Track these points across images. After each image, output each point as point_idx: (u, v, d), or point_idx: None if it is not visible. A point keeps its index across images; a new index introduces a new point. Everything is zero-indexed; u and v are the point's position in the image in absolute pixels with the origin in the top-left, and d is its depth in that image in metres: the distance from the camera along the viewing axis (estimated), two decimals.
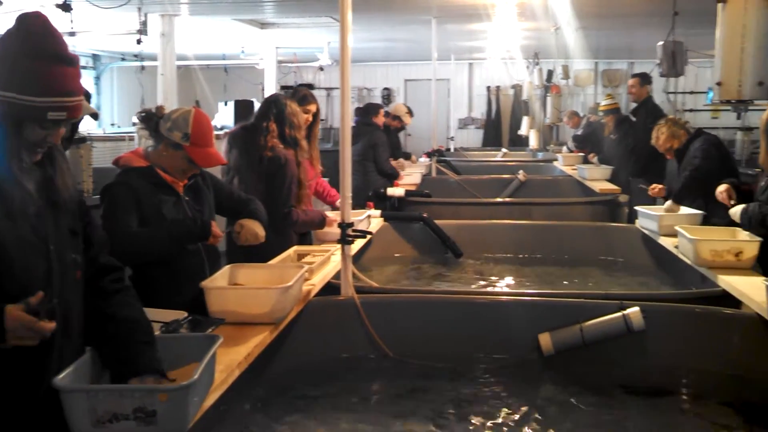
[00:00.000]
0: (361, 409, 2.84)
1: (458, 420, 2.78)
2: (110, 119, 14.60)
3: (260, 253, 3.32)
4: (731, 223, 3.84)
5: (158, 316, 2.40)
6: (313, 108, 4.29)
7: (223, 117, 8.93)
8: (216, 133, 3.08)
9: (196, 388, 1.80)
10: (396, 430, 2.69)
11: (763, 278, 2.77)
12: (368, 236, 3.72)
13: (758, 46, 2.70)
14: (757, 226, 3.48)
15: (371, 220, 4.84)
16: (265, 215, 3.25)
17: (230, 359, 2.30)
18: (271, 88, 11.26)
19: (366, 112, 7.42)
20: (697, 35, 7.03)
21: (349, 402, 2.89)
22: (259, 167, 3.74)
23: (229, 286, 2.81)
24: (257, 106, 9.84)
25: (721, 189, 3.94)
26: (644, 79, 7.25)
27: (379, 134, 7.20)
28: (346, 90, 3.23)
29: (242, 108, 8.81)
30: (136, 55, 12.04)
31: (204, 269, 2.99)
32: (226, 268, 2.92)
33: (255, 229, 3.11)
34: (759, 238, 3.45)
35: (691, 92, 13.40)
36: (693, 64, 7.73)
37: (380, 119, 7.46)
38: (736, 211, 3.68)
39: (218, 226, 2.95)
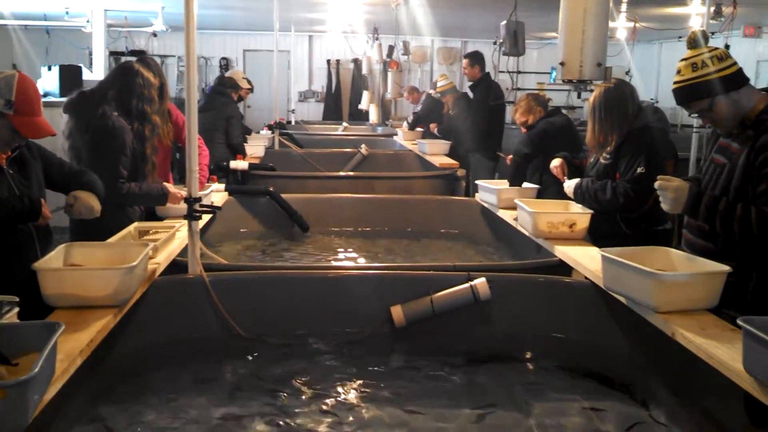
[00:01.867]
0: (214, 392, 2.74)
1: (313, 395, 2.76)
2: None
3: (105, 231, 3.12)
4: (562, 197, 4.08)
5: None
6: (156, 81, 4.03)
7: (47, 82, 8.21)
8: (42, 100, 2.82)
9: (36, 381, 1.64)
10: (250, 411, 2.62)
11: (598, 249, 2.96)
12: (216, 211, 3.58)
13: (597, 30, 2.86)
14: (590, 201, 3.73)
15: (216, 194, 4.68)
16: (101, 187, 3.04)
17: (71, 347, 2.13)
18: (99, 54, 10.55)
19: (225, 83, 7.14)
20: (524, 18, 7.35)
21: (200, 385, 2.78)
22: (86, 135, 3.49)
23: (67, 267, 2.60)
24: (86, 72, 9.24)
25: (555, 164, 4.18)
26: (473, 58, 7.51)
27: (235, 107, 7.00)
28: (192, 59, 3.05)
29: (69, 74, 8.14)
30: None
31: (35, 249, 2.75)
32: (61, 248, 2.69)
33: (90, 202, 2.90)
34: (590, 211, 3.70)
35: (519, 72, 14.14)
36: None
37: (237, 94, 7.24)
38: (570, 185, 3.91)
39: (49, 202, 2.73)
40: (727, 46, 10.33)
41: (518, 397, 2.81)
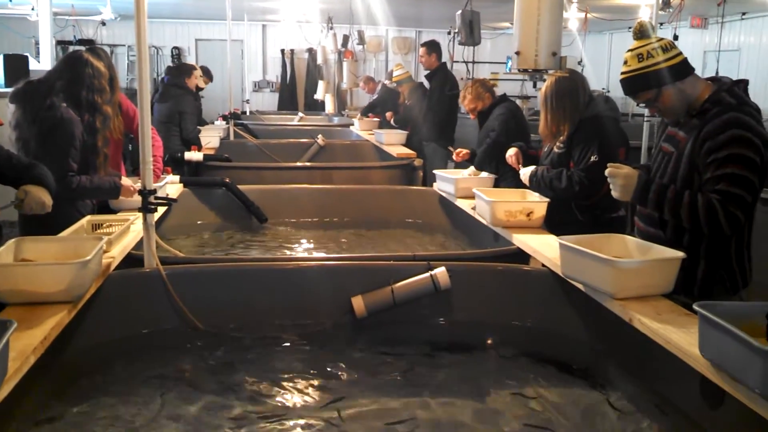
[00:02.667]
0: (173, 387, 2.69)
1: (275, 388, 2.73)
2: None
3: (56, 225, 3.03)
4: (519, 186, 4.13)
5: None
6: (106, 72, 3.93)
7: None
8: None
9: None
10: (211, 405, 2.58)
11: (555, 237, 2.99)
12: (171, 204, 3.52)
13: (551, 19, 2.88)
14: (545, 189, 3.77)
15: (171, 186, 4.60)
16: (52, 181, 2.95)
17: (24, 344, 2.07)
18: (46, 43, 10.25)
19: (179, 73, 7.01)
20: (479, 7, 7.37)
21: (159, 380, 2.72)
22: (33, 126, 3.39)
23: (18, 263, 2.52)
24: (32, 61, 8.97)
25: (511, 153, 4.22)
26: (431, 47, 7.51)
27: (189, 99, 6.86)
28: (144, 49, 2.98)
29: (14, 63, 7.89)
30: None
31: None
32: (11, 243, 2.61)
33: (41, 197, 2.81)
34: (547, 199, 3.74)
35: (474, 62, 14.21)
36: None
37: (193, 82, 7.11)
38: (525, 174, 3.96)
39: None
40: (675, 37, 10.55)
41: (480, 385, 2.83)
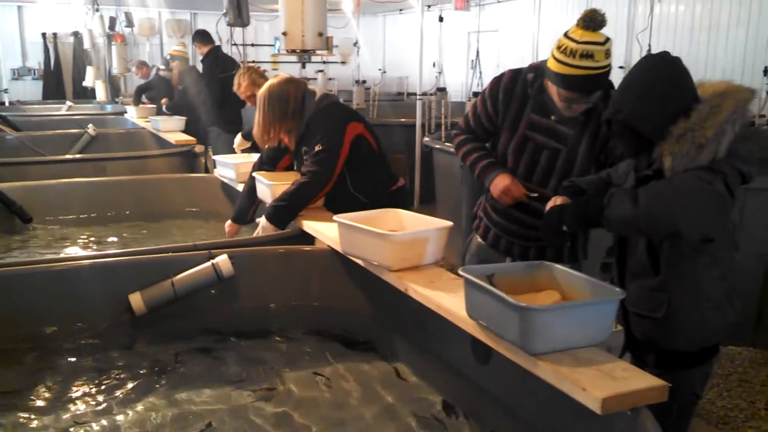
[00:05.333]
0: None
1: (54, 402, 2.54)
2: None
3: None
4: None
5: None
6: None
7: None
8: None
9: None
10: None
11: (335, 216, 3.04)
12: None
13: (316, 0, 2.90)
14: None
15: None
16: None
17: None
18: None
19: None
20: None
21: None
22: None
23: None
24: None
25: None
26: (195, 37, 7.53)
27: None
28: None
29: None
30: None
31: None
32: None
33: None
34: None
35: (253, 45, 14.05)
36: (254, 17, 8.02)
37: None
38: None
39: None
40: (441, 18, 11.15)
41: (271, 369, 2.83)
